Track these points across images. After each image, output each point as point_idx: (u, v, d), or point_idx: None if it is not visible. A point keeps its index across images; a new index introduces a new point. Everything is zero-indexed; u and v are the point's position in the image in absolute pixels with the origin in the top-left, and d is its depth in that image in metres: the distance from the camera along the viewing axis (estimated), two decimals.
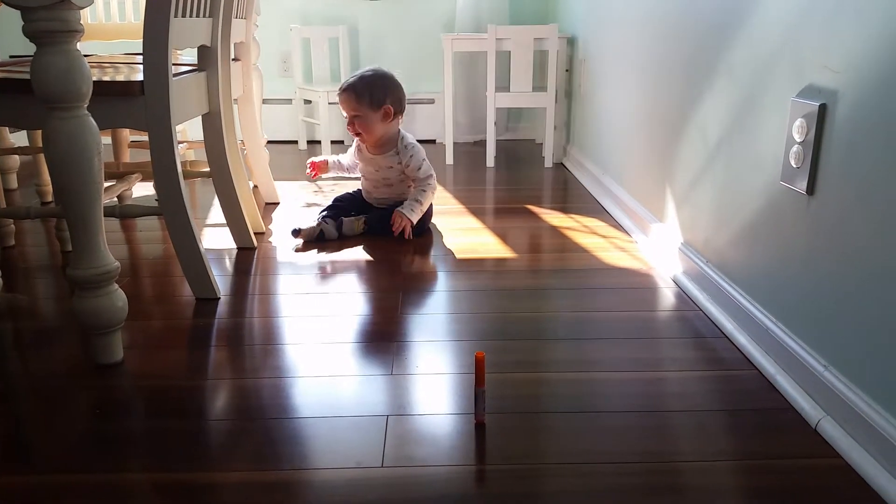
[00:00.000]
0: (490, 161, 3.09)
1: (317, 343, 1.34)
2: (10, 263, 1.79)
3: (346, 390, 1.18)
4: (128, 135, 2.37)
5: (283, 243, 1.96)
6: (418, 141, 2.13)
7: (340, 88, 2.02)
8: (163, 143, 1.43)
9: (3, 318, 1.47)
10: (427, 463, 0.98)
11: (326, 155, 2.31)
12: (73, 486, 0.93)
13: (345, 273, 1.73)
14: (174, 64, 1.44)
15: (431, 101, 3.66)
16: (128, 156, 2.36)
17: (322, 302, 1.54)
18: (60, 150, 1.09)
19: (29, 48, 1.13)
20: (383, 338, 1.37)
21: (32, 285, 1.66)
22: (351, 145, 2.22)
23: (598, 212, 2.31)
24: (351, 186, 2.34)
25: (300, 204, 2.42)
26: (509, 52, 2.96)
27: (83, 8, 1.07)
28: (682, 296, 1.58)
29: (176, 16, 1.40)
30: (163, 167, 1.44)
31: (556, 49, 2.94)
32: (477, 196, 2.54)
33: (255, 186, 2.44)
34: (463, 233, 2.07)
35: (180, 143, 2.11)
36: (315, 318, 1.46)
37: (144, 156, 2.61)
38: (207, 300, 1.54)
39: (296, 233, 1.95)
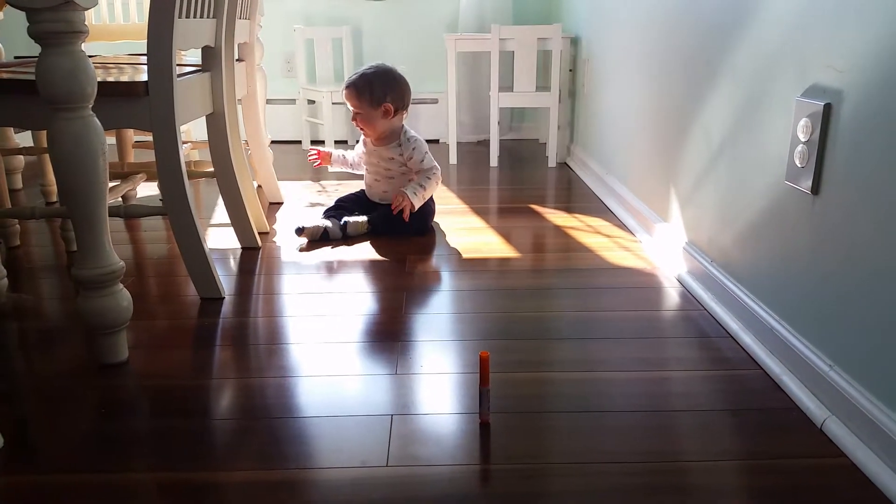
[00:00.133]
0: (493, 161, 3.09)
1: (321, 342, 1.34)
2: (16, 263, 1.80)
3: (351, 390, 1.18)
4: (132, 135, 2.37)
5: (287, 243, 1.96)
6: None
7: (344, 85, 2.07)
8: (167, 144, 1.43)
9: (9, 318, 1.47)
10: (431, 462, 0.98)
11: (339, 151, 2.31)
12: (78, 486, 0.93)
13: (349, 273, 1.73)
14: (178, 64, 1.44)
15: (435, 101, 3.66)
16: (132, 156, 2.36)
17: (326, 301, 1.54)
18: (65, 151, 1.10)
19: (34, 49, 1.14)
20: (387, 337, 1.37)
21: (37, 285, 1.66)
22: (355, 144, 2.22)
23: (602, 211, 2.31)
24: (354, 187, 2.35)
25: (304, 204, 2.42)
26: (513, 51, 2.96)
27: (88, 9, 1.07)
28: (687, 295, 1.57)
29: (180, 16, 1.40)
30: (167, 167, 1.45)
31: (560, 49, 2.94)
32: (480, 196, 2.54)
33: (259, 186, 2.44)
34: (467, 232, 2.07)
35: (184, 143, 2.11)
36: (319, 317, 1.46)
37: (149, 156, 2.61)
38: (212, 300, 1.55)
39: (299, 231, 1.95)
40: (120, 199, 2.20)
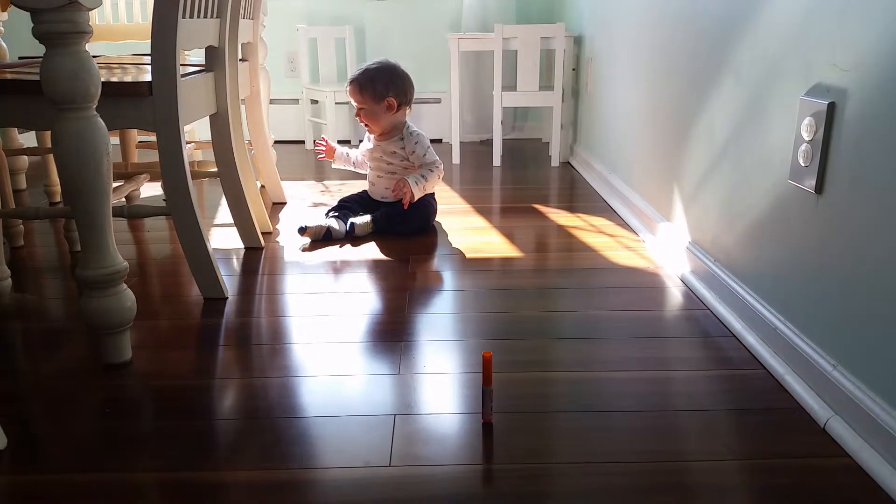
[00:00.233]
0: (497, 160, 3.09)
1: (324, 342, 1.35)
2: (20, 264, 1.80)
3: (354, 390, 1.18)
4: (136, 135, 2.38)
5: (290, 243, 1.96)
6: None
7: (348, 81, 2.10)
8: (171, 144, 1.43)
9: (13, 318, 1.48)
10: (435, 462, 0.98)
11: (343, 148, 2.31)
12: (82, 486, 0.94)
13: (352, 273, 1.73)
14: (182, 64, 1.44)
15: (438, 101, 3.66)
16: (136, 156, 2.36)
17: (329, 301, 1.54)
18: (69, 151, 1.10)
19: (38, 50, 1.14)
20: (391, 337, 1.37)
21: (41, 285, 1.67)
22: (358, 144, 2.23)
23: (606, 211, 2.30)
24: (357, 187, 2.35)
25: (307, 204, 2.42)
26: (516, 51, 2.96)
27: (92, 9, 1.07)
28: (690, 295, 1.57)
29: (184, 17, 1.40)
30: (171, 167, 1.45)
31: (563, 48, 2.94)
32: (483, 195, 2.54)
33: (263, 186, 2.44)
34: (469, 232, 2.07)
35: (188, 143, 2.12)
36: (322, 317, 1.46)
37: (152, 156, 2.62)
38: (215, 300, 1.55)
39: (302, 230, 1.96)
40: (123, 199, 2.20)
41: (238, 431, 1.06)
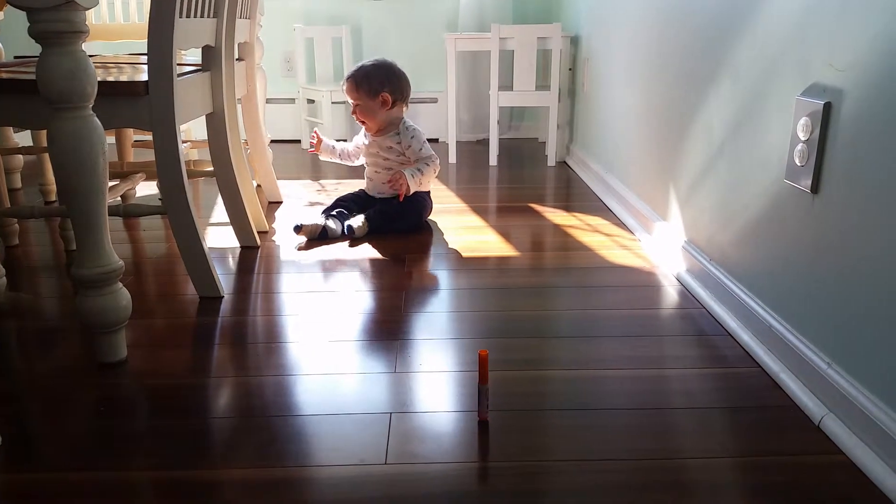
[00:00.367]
0: (493, 160, 3.10)
1: (320, 341, 1.35)
2: (15, 262, 1.80)
3: (350, 388, 1.18)
4: (132, 134, 2.38)
5: (286, 242, 1.96)
6: None
7: (344, 78, 2.12)
8: (167, 143, 1.43)
9: (8, 317, 1.48)
10: (430, 460, 0.98)
11: (329, 140, 2.31)
12: (77, 484, 0.93)
13: (347, 271, 1.73)
14: (178, 64, 1.44)
15: (434, 100, 3.66)
16: (132, 155, 2.36)
17: (325, 300, 1.54)
18: (65, 150, 1.10)
19: (34, 49, 1.14)
20: (386, 336, 1.37)
21: (36, 284, 1.66)
22: (353, 141, 2.24)
23: (602, 210, 2.31)
24: (354, 186, 2.35)
25: (303, 203, 2.42)
26: (512, 51, 2.96)
27: (88, 9, 1.07)
28: (686, 294, 1.58)
29: (181, 16, 1.40)
30: (167, 166, 1.45)
31: (560, 48, 2.94)
32: (480, 194, 2.54)
33: (259, 185, 2.44)
34: (466, 231, 2.07)
35: (184, 142, 2.12)
36: (318, 316, 1.46)
37: (148, 155, 2.61)
38: (211, 299, 1.55)
39: (297, 228, 1.96)
40: (119, 198, 2.20)
41: (233, 430, 1.06)
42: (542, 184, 2.74)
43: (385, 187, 2.12)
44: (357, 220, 1.99)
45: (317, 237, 1.97)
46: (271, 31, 3.44)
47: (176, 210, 1.47)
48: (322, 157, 2.28)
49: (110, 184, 1.68)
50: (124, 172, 2.02)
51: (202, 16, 1.57)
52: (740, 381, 1.19)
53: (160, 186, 1.48)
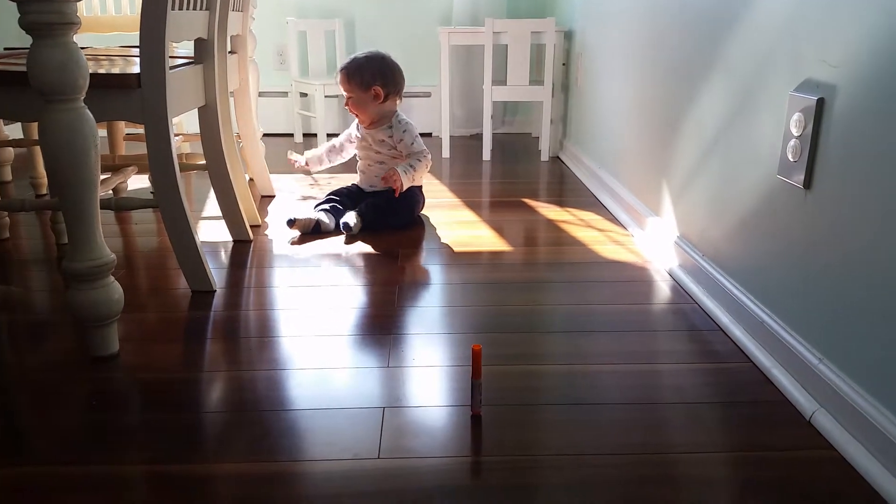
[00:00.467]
0: (486, 154, 3.09)
1: (313, 335, 1.34)
2: (5, 256, 1.79)
3: (343, 382, 1.18)
4: (123, 127, 2.36)
5: (278, 236, 1.96)
6: None
7: (338, 69, 2.12)
8: (159, 136, 1.43)
9: None
10: (423, 454, 0.98)
11: (310, 152, 2.31)
12: (69, 478, 0.93)
13: (340, 266, 1.73)
14: (170, 57, 1.43)
15: (428, 95, 3.66)
16: (123, 148, 2.35)
17: (318, 295, 1.54)
18: (57, 143, 1.09)
19: (25, 40, 1.13)
20: (379, 330, 1.37)
21: (27, 278, 1.65)
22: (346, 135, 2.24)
23: (595, 205, 2.31)
24: (347, 181, 2.34)
25: (296, 197, 2.42)
26: (506, 45, 2.96)
27: (80, 0, 1.06)
28: (678, 289, 1.58)
29: (173, 8, 1.39)
30: (159, 160, 1.44)
31: (553, 43, 2.94)
32: (473, 189, 2.54)
33: (251, 179, 2.43)
34: (459, 226, 2.07)
35: (176, 135, 2.11)
36: (311, 310, 1.46)
37: (140, 148, 2.61)
38: (203, 293, 1.54)
39: (290, 222, 1.95)
40: (111, 191, 2.19)
41: (226, 424, 1.05)
42: (535, 179, 2.74)
43: (377, 181, 2.12)
44: (352, 218, 1.96)
45: (310, 231, 1.96)
46: (264, 23, 3.43)
47: (168, 203, 1.47)
48: (314, 170, 2.29)
49: (102, 177, 1.67)
50: (116, 165, 2.00)
51: (195, 8, 1.56)
52: (732, 376, 1.20)
53: (152, 180, 1.47)
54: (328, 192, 2.19)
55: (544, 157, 3.09)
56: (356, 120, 2.16)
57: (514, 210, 2.25)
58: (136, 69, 1.42)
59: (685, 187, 1.66)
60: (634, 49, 2.10)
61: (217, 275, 1.64)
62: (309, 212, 2.03)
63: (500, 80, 3.07)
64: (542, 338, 1.35)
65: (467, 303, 1.51)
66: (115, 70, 1.48)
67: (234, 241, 1.90)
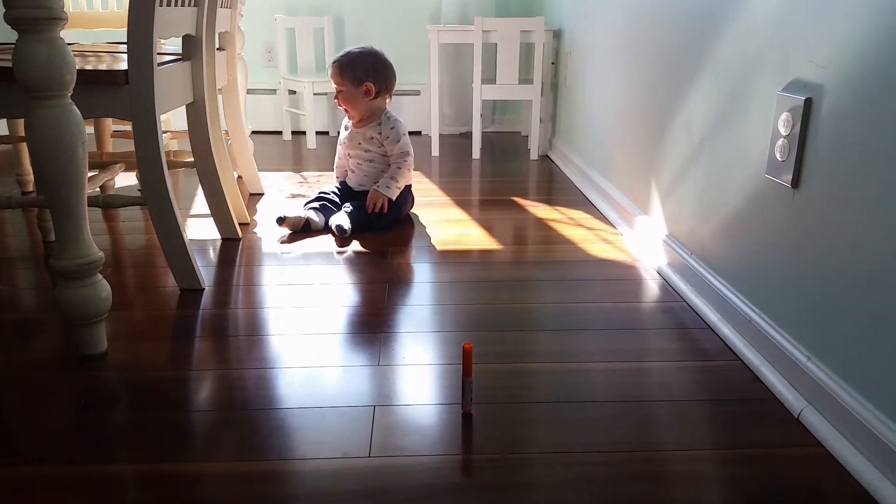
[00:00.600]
0: (476, 153, 3.09)
1: (302, 334, 1.34)
2: None
3: (333, 381, 1.17)
4: (111, 124, 2.34)
5: (268, 234, 1.95)
6: None
7: (330, 62, 2.11)
8: (147, 133, 1.42)
9: None
10: (414, 453, 0.98)
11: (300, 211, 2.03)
12: (57, 478, 0.92)
13: (330, 264, 1.73)
14: (157, 53, 1.42)
15: (417, 93, 3.65)
16: (111, 145, 2.33)
17: (307, 293, 1.54)
18: (44, 140, 1.08)
19: (10, 36, 1.12)
20: (370, 329, 1.37)
21: (14, 275, 1.64)
22: (337, 134, 2.22)
23: (584, 204, 2.32)
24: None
25: (285, 195, 2.41)
26: (495, 44, 2.96)
27: None
28: (667, 287, 1.59)
29: (161, 5, 1.38)
30: (147, 157, 1.43)
31: (543, 42, 2.94)
32: (462, 188, 2.54)
33: (240, 177, 2.42)
34: (448, 224, 2.07)
35: (164, 132, 2.09)
36: (300, 309, 1.45)
37: (127, 146, 2.59)
38: (191, 291, 1.54)
39: (280, 220, 1.94)
40: (98, 189, 2.17)
41: (215, 423, 1.05)
42: (524, 177, 2.74)
43: (367, 180, 2.11)
44: (345, 221, 1.93)
45: (299, 230, 1.96)
46: (252, 20, 3.42)
47: (156, 201, 1.46)
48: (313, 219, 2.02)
49: (89, 174, 1.65)
50: (103, 163, 1.99)
51: (183, 4, 1.55)
52: (721, 374, 1.21)
53: (140, 177, 1.46)
54: (317, 190, 2.18)
55: (533, 155, 3.10)
56: (345, 119, 2.16)
57: (503, 208, 2.25)
58: (123, 65, 1.41)
59: (674, 186, 1.66)
60: (623, 48, 2.11)
61: (205, 273, 1.64)
62: (298, 210, 2.02)
63: (489, 78, 3.07)
64: (531, 336, 1.35)
65: (457, 301, 1.51)
66: (103, 66, 1.47)
67: (222, 238, 1.89)
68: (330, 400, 1.11)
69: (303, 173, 2.73)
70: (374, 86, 2.05)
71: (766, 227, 1.23)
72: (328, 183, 2.26)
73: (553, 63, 3.12)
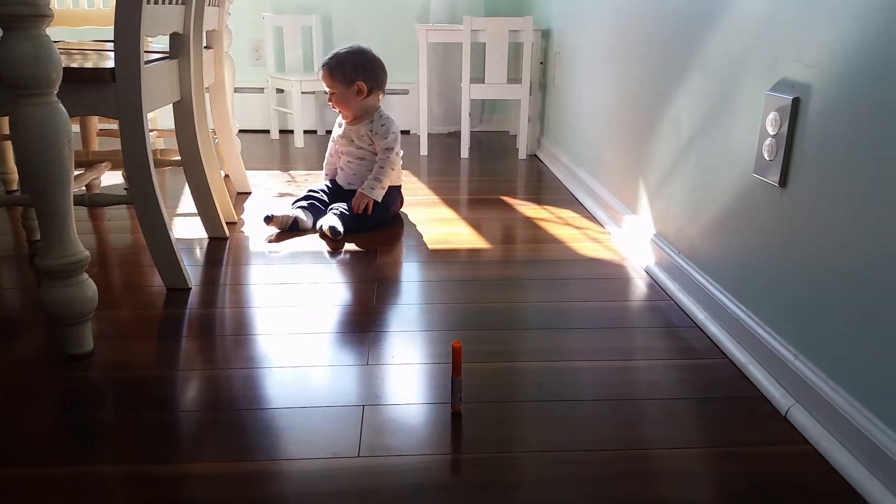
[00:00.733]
0: (464, 152, 3.09)
1: (290, 333, 1.34)
2: None
3: (321, 380, 1.17)
4: (97, 122, 2.33)
5: (255, 233, 1.94)
6: None
7: (320, 65, 2.11)
8: (134, 131, 1.41)
9: None
10: (403, 452, 0.98)
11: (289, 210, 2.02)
12: (42, 479, 0.91)
13: (318, 263, 1.72)
14: (145, 51, 1.41)
15: (406, 92, 3.65)
16: (97, 144, 2.31)
17: (295, 292, 1.53)
18: (29, 138, 1.07)
19: None
20: (358, 328, 1.36)
21: None
22: (325, 133, 2.21)
23: (572, 203, 2.32)
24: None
25: (272, 194, 2.40)
26: (484, 43, 2.96)
27: None
28: (655, 286, 1.59)
29: (148, 2, 1.37)
30: (133, 155, 1.42)
31: (531, 41, 2.94)
32: (451, 187, 2.54)
33: (227, 176, 2.41)
34: (437, 223, 2.07)
35: (151, 131, 2.08)
36: (288, 308, 1.45)
37: (114, 144, 2.56)
38: (178, 290, 1.53)
39: (268, 219, 1.93)
40: (84, 187, 2.15)
41: (203, 423, 1.04)
42: (513, 177, 2.75)
43: (356, 178, 2.10)
44: (337, 223, 1.91)
45: (287, 229, 1.95)
46: (240, 19, 3.40)
47: (142, 200, 1.45)
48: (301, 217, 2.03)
49: (75, 173, 1.64)
50: (89, 161, 1.97)
51: (170, 2, 1.54)
52: (708, 372, 1.21)
53: (126, 176, 1.45)
54: (306, 189, 2.18)
55: (522, 155, 3.10)
56: (339, 118, 2.15)
57: (492, 208, 2.26)
58: (110, 63, 1.40)
59: (662, 185, 1.67)
60: (612, 48, 2.11)
61: (192, 272, 1.63)
62: (286, 209, 2.01)
63: (478, 77, 3.07)
64: (520, 334, 1.35)
65: (446, 300, 1.50)
66: (89, 64, 1.46)
67: (209, 238, 1.88)
68: (318, 400, 1.11)
69: (290, 172, 2.72)
70: (366, 84, 2.04)
71: (753, 226, 1.23)
72: (316, 181, 2.25)
73: (541, 63, 3.12)
